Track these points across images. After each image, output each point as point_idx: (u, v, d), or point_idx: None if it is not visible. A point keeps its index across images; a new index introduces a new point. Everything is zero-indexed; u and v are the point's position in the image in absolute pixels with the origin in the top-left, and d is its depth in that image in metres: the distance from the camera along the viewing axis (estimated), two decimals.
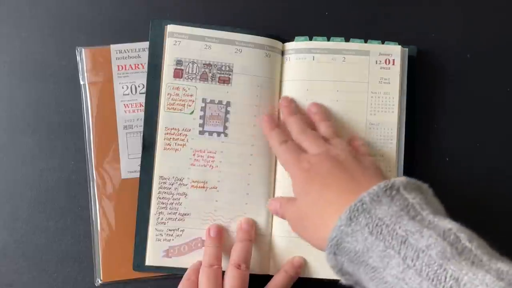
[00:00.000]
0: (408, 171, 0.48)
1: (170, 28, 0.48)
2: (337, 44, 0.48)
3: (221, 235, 0.46)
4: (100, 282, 0.49)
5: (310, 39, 0.48)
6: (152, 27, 0.48)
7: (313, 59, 0.48)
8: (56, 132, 0.51)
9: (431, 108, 0.51)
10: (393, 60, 0.48)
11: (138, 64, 0.50)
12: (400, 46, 0.48)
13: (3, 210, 0.50)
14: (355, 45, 0.48)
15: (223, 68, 0.48)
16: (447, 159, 0.51)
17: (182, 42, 0.48)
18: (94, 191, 0.49)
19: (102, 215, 0.49)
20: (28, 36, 0.52)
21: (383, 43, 0.49)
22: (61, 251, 0.50)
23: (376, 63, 0.48)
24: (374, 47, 0.48)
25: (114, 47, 0.51)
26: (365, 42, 0.49)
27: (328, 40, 0.49)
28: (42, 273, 0.49)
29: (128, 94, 0.50)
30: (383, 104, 0.48)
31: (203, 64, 0.48)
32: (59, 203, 0.50)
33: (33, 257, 0.49)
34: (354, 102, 0.48)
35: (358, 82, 0.48)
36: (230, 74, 0.48)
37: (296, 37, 0.49)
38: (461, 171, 0.51)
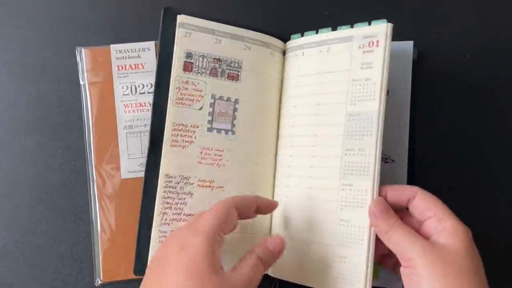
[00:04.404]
0: (409, 171, 0.48)
1: (181, 18, 0.46)
2: (323, 35, 0.46)
3: None
4: (100, 282, 0.49)
5: (302, 36, 0.47)
6: (164, 16, 0.46)
7: (303, 55, 0.47)
8: (56, 132, 0.51)
9: (431, 108, 0.51)
10: (377, 41, 0.42)
11: (138, 64, 0.50)
12: (385, 23, 0.42)
13: (3, 210, 0.50)
14: (340, 32, 0.45)
15: (233, 64, 0.47)
16: (448, 159, 0.51)
17: (193, 34, 0.46)
18: (94, 191, 0.49)
19: (102, 215, 0.49)
20: (28, 36, 0.52)
21: (370, 24, 0.44)
22: (61, 251, 0.50)
23: (360, 47, 0.43)
24: (357, 31, 0.43)
25: (114, 47, 0.51)
26: (352, 27, 0.45)
27: (317, 33, 0.46)
28: (42, 273, 0.49)
29: (128, 94, 0.50)
30: (363, 92, 0.42)
31: (213, 59, 0.46)
32: (59, 203, 0.50)
33: (33, 257, 0.50)
34: (335, 94, 0.44)
35: (340, 71, 0.44)
36: (239, 71, 0.47)
37: (291, 36, 0.48)
38: (462, 171, 0.51)
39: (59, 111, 0.51)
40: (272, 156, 0.48)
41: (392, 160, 0.48)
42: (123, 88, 0.50)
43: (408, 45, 0.49)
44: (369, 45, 0.43)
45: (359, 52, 0.43)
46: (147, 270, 0.38)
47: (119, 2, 0.53)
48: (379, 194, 0.41)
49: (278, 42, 0.48)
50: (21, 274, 0.49)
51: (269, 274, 0.46)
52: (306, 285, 0.43)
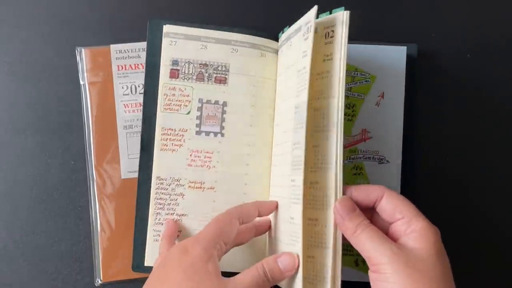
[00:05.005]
0: (408, 171, 0.48)
1: (166, 28, 0.48)
2: (289, 29, 0.44)
3: None
4: (100, 282, 0.49)
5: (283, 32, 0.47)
6: (150, 27, 0.48)
7: (282, 52, 0.47)
8: (56, 132, 0.51)
9: (431, 108, 0.51)
10: (310, 26, 0.39)
11: (137, 64, 0.50)
12: (342, 11, 0.38)
13: (3, 210, 0.50)
14: (296, 24, 0.43)
15: (220, 68, 0.48)
16: (448, 158, 0.51)
17: (178, 42, 0.48)
18: (94, 191, 0.49)
19: (102, 215, 0.49)
20: (28, 36, 0.52)
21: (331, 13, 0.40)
22: (61, 251, 0.50)
23: (303, 35, 0.40)
24: (320, 22, 0.40)
25: (114, 47, 0.51)
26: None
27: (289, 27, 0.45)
28: (42, 273, 0.49)
29: (128, 94, 0.50)
30: (301, 82, 0.40)
31: (199, 64, 0.48)
32: (59, 203, 0.50)
33: (33, 257, 0.50)
34: (289, 88, 0.42)
35: (292, 64, 0.42)
36: (226, 74, 0.48)
37: (279, 34, 0.48)
38: (462, 170, 0.50)
39: (59, 111, 0.51)
40: (266, 156, 0.48)
41: (387, 161, 0.48)
42: (123, 88, 0.50)
43: (401, 49, 0.49)
44: (329, 36, 0.40)
45: (321, 43, 0.40)
46: (152, 270, 0.39)
47: (119, 2, 0.53)
48: (344, 194, 0.39)
49: (270, 43, 0.48)
50: (21, 274, 0.49)
51: None
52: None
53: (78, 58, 0.51)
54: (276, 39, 0.49)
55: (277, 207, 0.44)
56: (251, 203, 0.43)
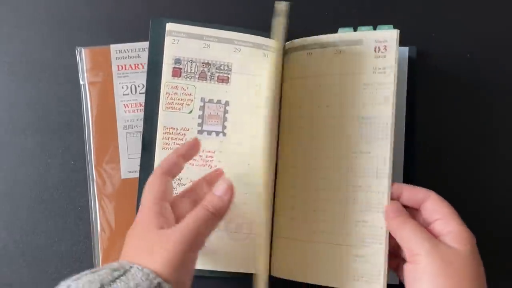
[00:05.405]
0: (409, 171, 0.48)
1: (169, 26, 0.47)
2: (329, 36, 0.45)
3: None
4: None
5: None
6: (152, 26, 0.48)
7: (307, 55, 0.47)
8: (56, 132, 0.51)
9: (431, 108, 0.51)
10: (388, 46, 0.43)
11: (138, 64, 0.50)
12: (396, 30, 0.43)
13: (3, 210, 0.50)
14: (347, 35, 0.45)
15: (222, 67, 0.48)
16: (448, 159, 0.51)
17: (181, 40, 0.47)
18: (94, 191, 0.49)
19: (102, 215, 0.49)
20: (28, 36, 0.52)
21: (375, 28, 0.46)
22: (61, 251, 0.50)
23: (375, 50, 0.43)
24: (367, 34, 0.44)
25: (114, 47, 0.51)
26: (355, 30, 0.46)
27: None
28: (42, 273, 0.49)
29: (128, 94, 0.50)
30: (377, 96, 0.43)
31: (202, 63, 0.48)
32: (59, 203, 0.50)
33: (33, 257, 0.50)
34: (347, 96, 0.44)
35: (351, 74, 0.44)
36: (229, 73, 0.48)
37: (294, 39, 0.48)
38: (462, 170, 0.50)
39: (59, 111, 0.51)
40: (268, 156, 0.48)
41: None
42: (123, 88, 0.50)
43: (403, 50, 0.49)
44: (381, 50, 0.43)
45: (371, 56, 0.43)
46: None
47: (118, 2, 0.53)
48: (395, 191, 0.42)
49: (274, 43, 0.48)
50: (21, 274, 0.49)
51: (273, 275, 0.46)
52: (309, 283, 0.44)
53: (78, 58, 0.51)
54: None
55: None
56: (169, 155, 0.42)
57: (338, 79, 0.45)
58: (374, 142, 0.43)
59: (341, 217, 0.43)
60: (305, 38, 0.47)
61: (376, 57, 0.43)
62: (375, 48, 0.43)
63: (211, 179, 0.45)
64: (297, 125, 0.46)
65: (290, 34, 0.49)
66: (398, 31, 0.43)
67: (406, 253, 0.39)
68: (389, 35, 0.43)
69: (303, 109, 0.46)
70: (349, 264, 0.42)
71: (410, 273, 0.38)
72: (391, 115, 0.42)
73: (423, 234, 0.38)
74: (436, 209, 0.40)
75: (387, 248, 0.41)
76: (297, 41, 0.48)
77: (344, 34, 0.45)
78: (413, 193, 0.41)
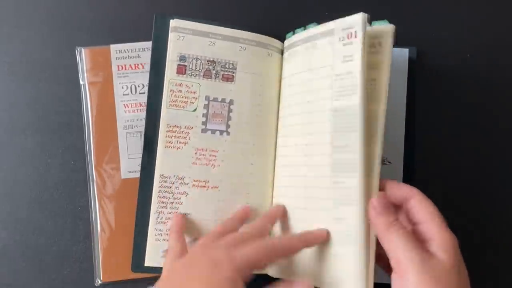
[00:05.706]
0: (409, 171, 0.48)
1: (174, 22, 0.47)
2: (310, 31, 0.44)
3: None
4: (100, 282, 0.49)
5: (294, 33, 0.47)
6: (156, 22, 0.47)
7: (289, 54, 0.47)
8: (56, 132, 0.51)
9: (431, 108, 0.51)
10: (355, 32, 0.40)
11: (138, 64, 0.50)
12: (362, 15, 0.40)
13: (3, 210, 0.50)
14: (322, 26, 0.43)
15: (227, 66, 0.47)
16: (447, 159, 0.51)
17: (186, 37, 0.47)
18: (94, 191, 0.49)
19: (102, 215, 0.49)
20: (28, 36, 0.52)
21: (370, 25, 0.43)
22: (61, 251, 0.50)
23: (339, 40, 0.41)
24: (337, 23, 0.42)
25: (114, 47, 0.51)
26: (305, 29, 0.45)
27: (305, 29, 0.46)
28: (42, 273, 0.49)
29: (128, 94, 0.50)
30: (346, 86, 0.40)
31: (207, 61, 0.47)
32: (59, 203, 0.50)
33: (33, 257, 0.50)
34: (320, 90, 0.42)
35: (323, 66, 0.42)
36: (234, 72, 0.47)
37: (286, 35, 0.48)
38: (462, 170, 0.51)
39: (59, 111, 0.51)
40: (270, 156, 0.48)
41: (389, 162, 0.48)
42: (123, 88, 0.50)
43: (403, 51, 0.49)
44: (348, 37, 0.41)
45: (339, 45, 0.41)
46: (174, 266, 0.40)
47: (118, 2, 0.53)
48: (379, 187, 0.40)
49: (276, 42, 0.48)
50: (21, 274, 0.49)
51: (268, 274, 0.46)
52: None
53: (78, 58, 0.51)
54: (278, 39, 0.48)
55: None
56: (293, 237, 0.42)
57: (315, 73, 0.43)
58: (347, 134, 0.40)
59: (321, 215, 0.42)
60: (291, 36, 0.47)
61: (345, 44, 0.41)
62: (343, 36, 0.41)
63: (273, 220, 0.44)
64: (288, 124, 0.46)
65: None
66: (365, 16, 0.40)
67: (392, 261, 0.37)
68: (354, 20, 0.40)
69: (291, 107, 0.46)
70: (331, 263, 0.40)
71: (397, 283, 0.37)
72: (358, 104, 0.39)
73: (411, 243, 0.36)
74: (419, 209, 0.38)
75: (373, 247, 0.39)
76: (288, 40, 0.48)
77: (313, 29, 0.44)
78: (396, 190, 0.40)
